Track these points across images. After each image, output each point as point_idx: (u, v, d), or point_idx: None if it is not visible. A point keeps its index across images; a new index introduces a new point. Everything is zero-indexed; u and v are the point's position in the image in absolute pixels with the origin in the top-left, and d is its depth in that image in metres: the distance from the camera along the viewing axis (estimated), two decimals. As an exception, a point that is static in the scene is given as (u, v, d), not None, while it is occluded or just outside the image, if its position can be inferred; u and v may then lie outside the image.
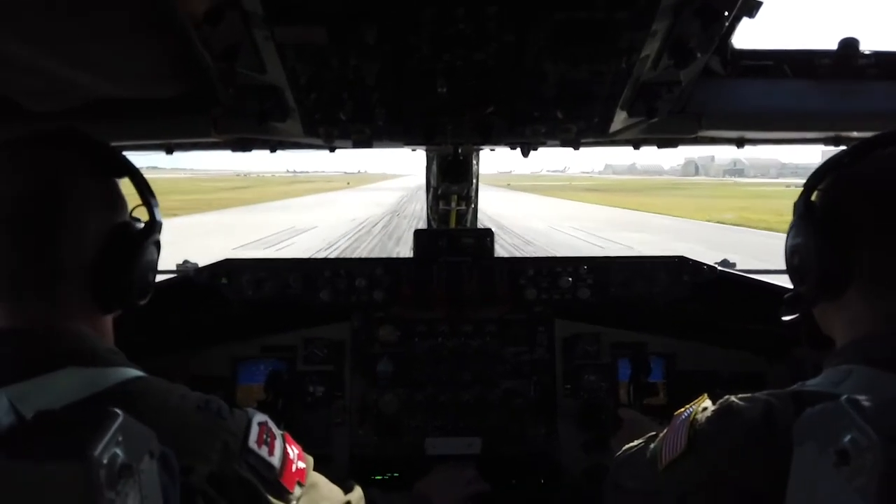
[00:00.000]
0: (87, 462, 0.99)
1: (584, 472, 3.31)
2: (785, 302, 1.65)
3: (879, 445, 0.99)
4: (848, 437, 1.05)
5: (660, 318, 3.52)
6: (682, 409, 1.70)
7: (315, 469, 1.80)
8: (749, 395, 1.49)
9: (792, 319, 1.65)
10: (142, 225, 1.62)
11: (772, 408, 1.41)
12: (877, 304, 1.46)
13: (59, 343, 1.43)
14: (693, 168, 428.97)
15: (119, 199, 1.61)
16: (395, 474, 3.29)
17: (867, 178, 1.49)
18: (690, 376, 3.45)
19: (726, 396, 1.53)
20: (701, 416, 1.57)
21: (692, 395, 1.79)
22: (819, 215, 1.53)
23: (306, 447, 1.79)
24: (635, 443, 1.97)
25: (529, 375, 3.44)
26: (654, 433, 1.88)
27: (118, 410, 1.09)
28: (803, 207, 1.56)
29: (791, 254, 1.61)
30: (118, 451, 1.05)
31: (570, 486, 3.31)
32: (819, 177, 1.57)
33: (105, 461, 1.01)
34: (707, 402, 1.64)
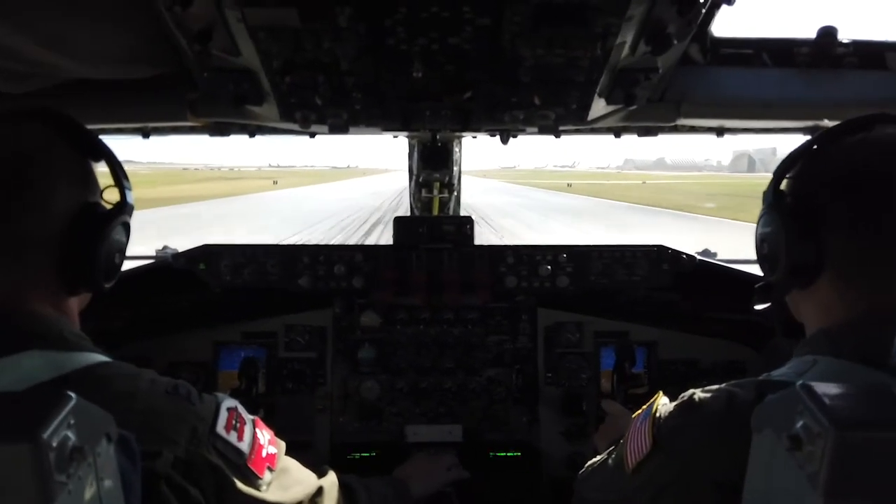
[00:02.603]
0: (35, 444, 0.98)
1: (565, 460, 3.33)
2: (756, 291, 1.65)
3: (831, 432, 0.99)
4: (801, 423, 1.05)
5: (641, 307, 3.53)
6: (640, 411, 1.70)
7: (296, 455, 1.80)
8: (712, 387, 1.49)
9: (764, 309, 1.65)
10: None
11: (734, 398, 1.41)
12: (845, 293, 1.45)
13: (22, 325, 1.42)
14: (745, 163, 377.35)
15: (91, 180, 1.61)
16: (373, 454, 3.33)
17: (834, 166, 1.48)
18: (672, 365, 3.47)
19: (690, 390, 1.53)
20: (663, 413, 1.57)
21: (674, 384, 1.78)
22: (788, 204, 1.52)
23: (288, 434, 1.80)
24: (596, 458, 1.97)
25: (511, 364, 3.45)
26: (612, 447, 1.87)
27: (71, 393, 1.08)
28: (772, 196, 1.55)
29: (761, 243, 1.60)
30: (69, 433, 1.04)
31: (551, 474, 3.33)
32: (788, 165, 1.56)
33: (55, 444, 1.00)
34: (664, 399, 1.65)
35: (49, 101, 2.16)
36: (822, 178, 1.50)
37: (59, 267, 1.49)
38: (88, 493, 1.10)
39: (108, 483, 1.16)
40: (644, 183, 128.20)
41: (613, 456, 1.79)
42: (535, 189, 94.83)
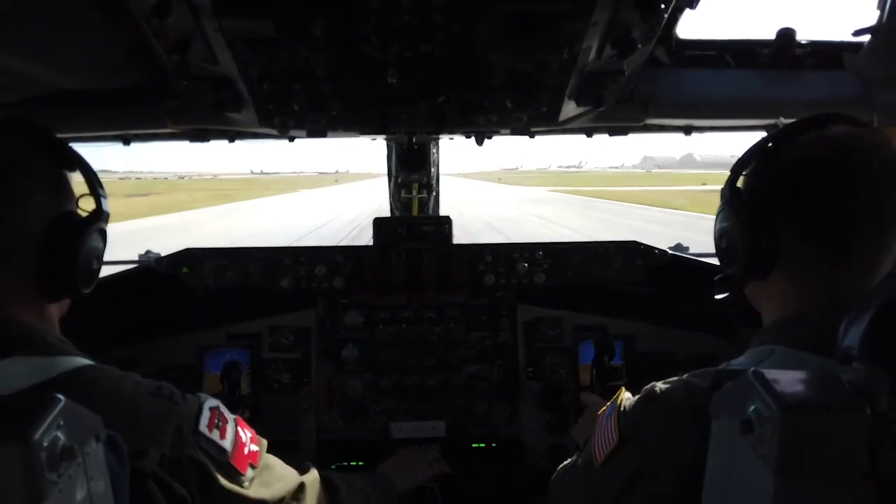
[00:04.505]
0: (26, 445, 1.02)
1: (546, 453, 3.40)
2: (715, 283, 1.71)
3: (779, 415, 1.06)
4: (752, 409, 1.11)
5: (618, 302, 3.60)
6: (604, 407, 1.76)
7: (283, 455, 1.84)
8: (672, 378, 1.56)
9: (724, 298, 1.72)
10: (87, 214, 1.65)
11: (692, 387, 1.48)
12: (799, 286, 1.53)
13: (5, 331, 1.46)
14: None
15: (66, 188, 1.64)
16: (360, 463, 3.35)
17: (786, 163, 1.55)
18: (649, 358, 3.54)
19: (651, 383, 1.59)
20: (627, 406, 1.63)
21: (650, 376, 1.83)
22: (744, 200, 1.58)
23: (274, 433, 1.84)
24: (567, 461, 2.02)
25: (493, 359, 3.51)
26: (580, 450, 1.92)
27: (60, 396, 1.13)
28: (729, 192, 1.61)
29: (719, 237, 1.67)
30: (60, 434, 1.08)
31: (532, 466, 3.39)
32: (744, 163, 1.63)
33: (46, 444, 1.04)
34: (627, 394, 1.70)
35: (29, 111, 2.19)
36: (774, 176, 1.56)
37: (38, 274, 1.53)
38: (79, 492, 1.14)
39: (97, 482, 1.20)
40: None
41: (582, 455, 1.84)
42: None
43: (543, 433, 3.44)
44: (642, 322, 3.57)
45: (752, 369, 1.17)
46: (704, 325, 3.51)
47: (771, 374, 1.14)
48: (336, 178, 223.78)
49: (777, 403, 1.07)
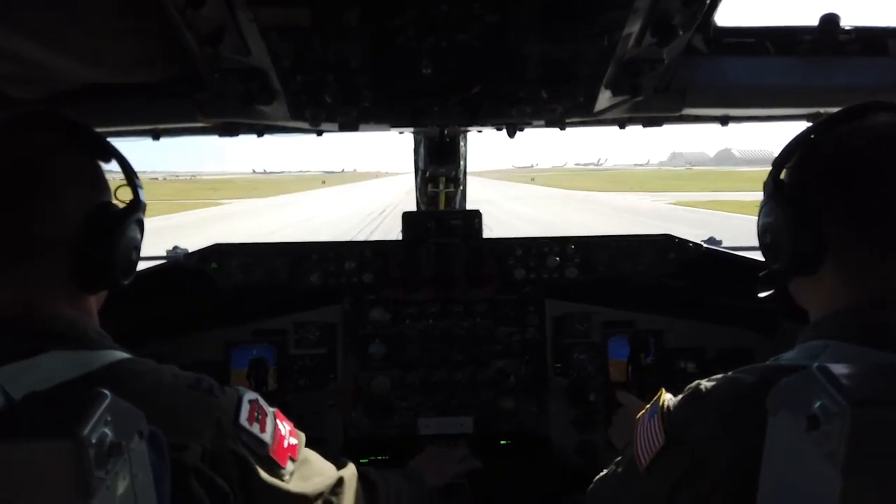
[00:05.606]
0: (76, 441, 1.00)
1: (575, 448, 3.37)
2: (760, 279, 1.67)
3: (848, 411, 1.02)
4: (818, 404, 1.07)
5: (648, 296, 3.55)
6: (644, 410, 1.71)
7: (314, 450, 1.82)
8: (717, 376, 1.51)
9: (768, 295, 1.67)
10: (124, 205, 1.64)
11: (740, 384, 1.43)
12: (849, 280, 1.48)
13: (42, 326, 1.45)
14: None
15: (101, 180, 1.63)
16: (388, 459, 3.32)
17: (831, 155, 1.50)
18: (680, 353, 3.49)
19: (695, 381, 1.54)
20: (671, 406, 1.58)
21: (681, 372, 1.78)
22: (788, 194, 1.53)
23: (301, 430, 1.82)
24: (603, 472, 1.95)
25: (521, 355, 3.48)
26: (618, 458, 1.86)
27: (106, 391, 1.11)
28: (772, 186, 1.57)
29: (763, 232, 1.62)
30: (107, 430, 1.07)
31: (562, 462, 3.37)
32: (787, 154, 1.57)
33: (94, 440, 1.03)
34: (668, 395, 1.65)
35: (60, 105, 2.19)
36: (818, 168, 1.52)
37: (77, 267, 1.51)
38: (123, 487, 1.13)
39: (140, 477, 1.19)
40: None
41: (622, 462, 1.78)
42: None
43: (572, 429, 3.41)
44: (671, 317, 3.52)
45: (816, 363, 1.13)
46: (738, 320, 3.46)
47: (837, 368, 1.10)
48: (323, 178, 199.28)
49: (846, 398, 1.03)
